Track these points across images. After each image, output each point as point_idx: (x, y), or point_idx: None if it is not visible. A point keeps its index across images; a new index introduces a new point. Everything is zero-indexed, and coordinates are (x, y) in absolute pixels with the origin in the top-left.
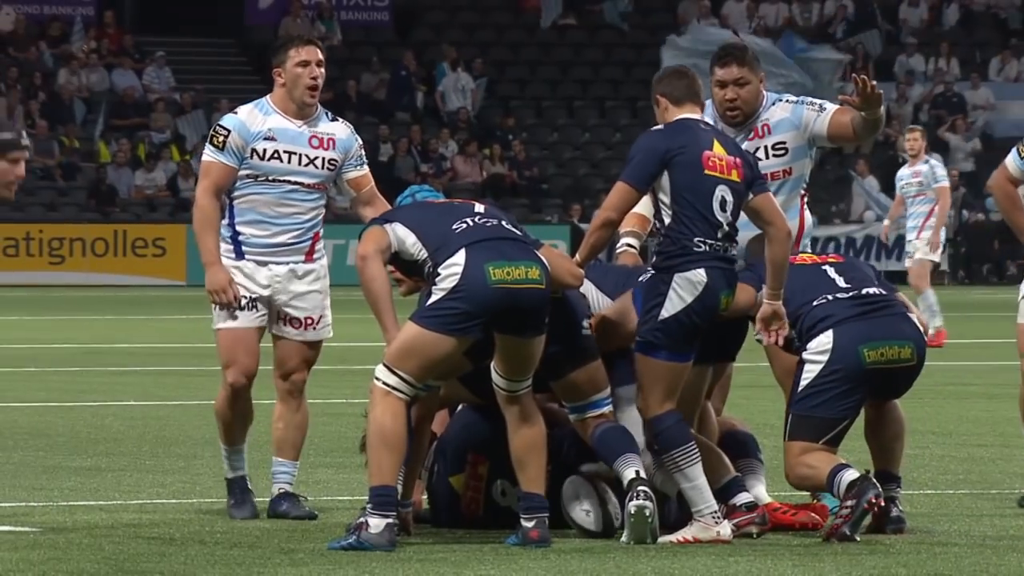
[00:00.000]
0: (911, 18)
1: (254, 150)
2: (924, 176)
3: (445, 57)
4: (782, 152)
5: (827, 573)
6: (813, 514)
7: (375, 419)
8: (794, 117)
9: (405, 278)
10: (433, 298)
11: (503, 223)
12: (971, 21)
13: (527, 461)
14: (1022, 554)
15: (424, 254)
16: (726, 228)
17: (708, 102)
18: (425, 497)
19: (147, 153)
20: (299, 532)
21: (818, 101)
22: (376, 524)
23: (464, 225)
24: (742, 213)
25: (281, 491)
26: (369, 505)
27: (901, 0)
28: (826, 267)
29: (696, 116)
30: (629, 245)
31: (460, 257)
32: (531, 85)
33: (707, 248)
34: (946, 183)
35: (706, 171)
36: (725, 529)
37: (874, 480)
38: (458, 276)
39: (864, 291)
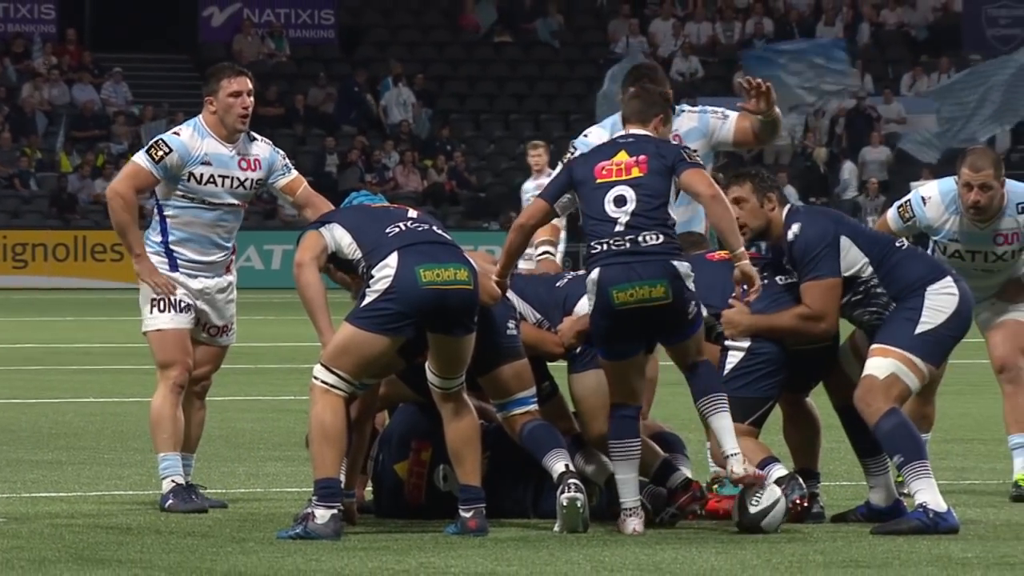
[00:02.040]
0: (827, 36)
1: (191, 173)
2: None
3: (389, 72)
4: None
5: (748, 560)
6: (721, 503)
7: (316, 416)
8: (701, 125)
9: (351, 281)
10: (367, 299)
11: (434, 228)
12: (883, 39)
13: (463, 454)
14: (932, 541)
15: (359, 255)
16: (625, 221)
17: (615, 116)
18: (369, 488)
19: (105, 163)
20: (249, 522)
21: (720, 109)
22: (322, 515)
23: (397, 229)
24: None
25: (185, 482)
26: (315, 497)
27: (817, 19)
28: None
29: (631, 132)
30: (548, 252)
31: (392, 260)
32: (470, 99)
33: (602, 248)
34: None
35: (598, 180)
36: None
37: (800, 480)
38: (390, 278)
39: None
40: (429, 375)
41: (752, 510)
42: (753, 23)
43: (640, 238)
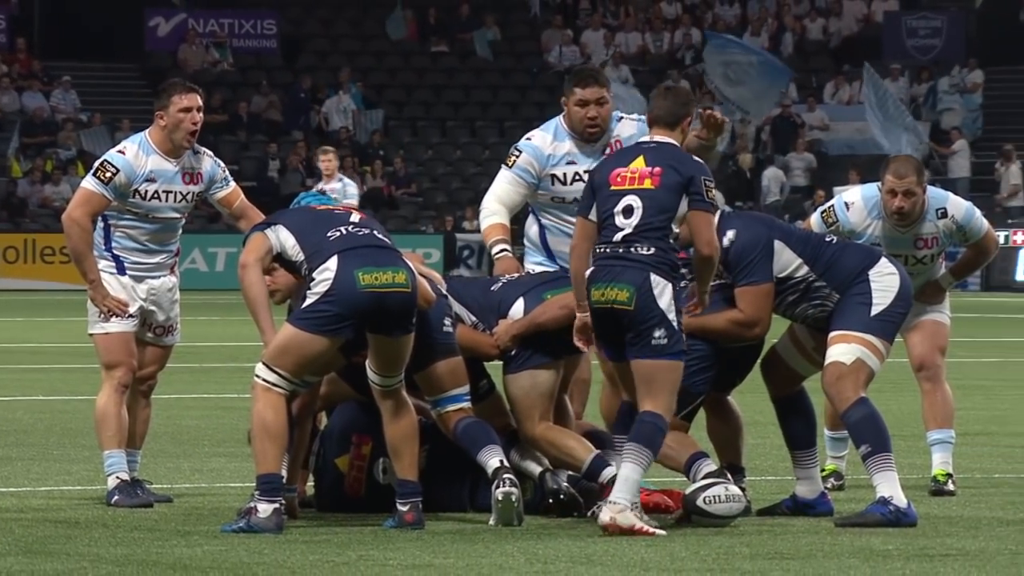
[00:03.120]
0: (754, 46)
1: (136, 190)
2: (338, 193)
3: (329, 81)
4: None
5: (678, 553)
6: (666, 497)
7: (257, 413)
8: (639, 133)
9: (278, 288)
10: (308, 301)
11: (375, 232)
12: (806, 49)
13: (401, 450)
14: (854, 534)
15: (301, 257)
16: (626, 232)
17: (557, 120)
18: (311, 483)
19: (55, 168)
20: (194, 516)
21: None
22: (264, 509)
23: (338, 233)
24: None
25: (131, 478)
26: (257, 492)
27: (744, 30)
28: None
29: (655, 139)
30: (505, 250)
31: (332, 263)
32: (408, 107)
33: (600, 251)
34: (354, 201)
35: (612, 188)
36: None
37: (728, 476)
38: (330, 281)
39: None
40: (369, 373)
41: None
42: (681, 33)
43: (633, 248)
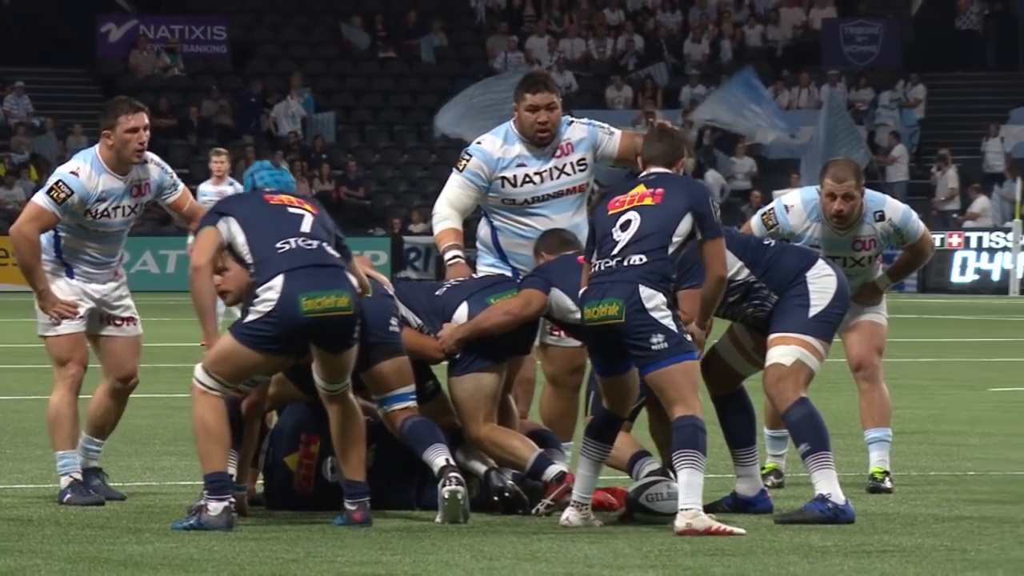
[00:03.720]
0: (694, 52)
1: (88, 210)
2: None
3: (279, 86)
4: (584, 168)
5: (621, 549)
6: (610, 495)
7: (197, 415)
8: (590, 137)
9: (229, 290)
10: (250, 316)
11: (323, 246)
12: (746, 55)
13: (348, 452)
14: (794, 531)
15: (250, 260)
16: (622, 245)
17: (508, 124)
18: (260, 481)
19: (7, 172)
20: (145, 514)
21: (606, 125)
22: (215, 507)
23: (287, 247)
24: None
25: (92, 467)
26: (206, 491)
27: (685, 36)
28: None
29: (653, 171)
30: (457, 256)
31: (278, 283)
32: (356, 111)
33: (597, 267)
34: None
35: (610, 212)
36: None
37: (670, 475)
38: (273, 303)
39: None
40: (315, 377)
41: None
42: (624, 40)
43: (627, 260)
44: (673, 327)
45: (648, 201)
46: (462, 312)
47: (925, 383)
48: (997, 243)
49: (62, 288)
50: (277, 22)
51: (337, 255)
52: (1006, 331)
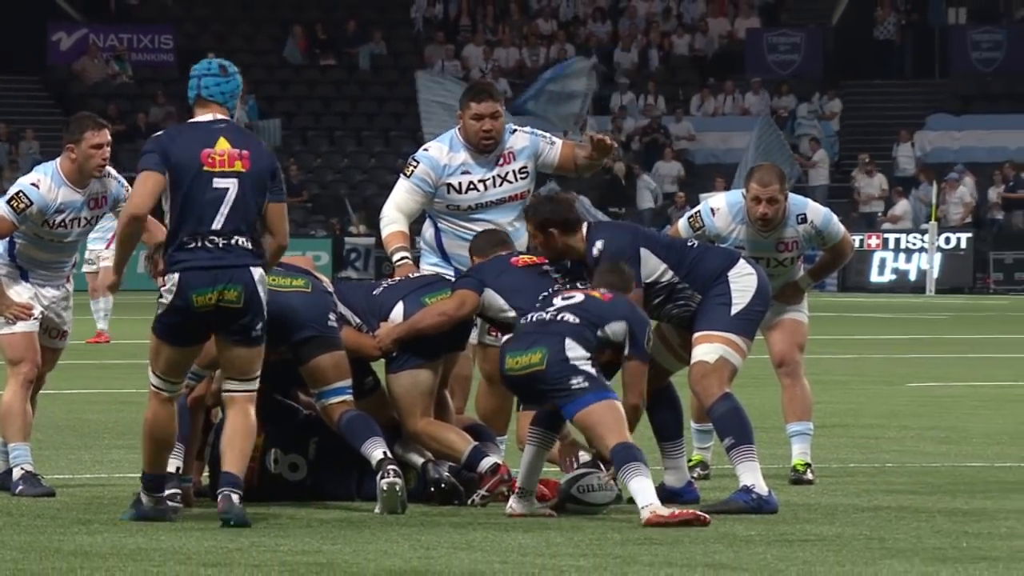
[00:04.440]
0: (623, 61)
1: (46, 221)
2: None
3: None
4: (525, 176)
5: (553, 539)
6: (543, 486)
7: (145, 416)
8: (531, 146)
9: (159, 262)
10: (159, 308)
11: (237, 241)
12: (673, 64)
13: (232, 447)
14: (719, 521)
15: (169, 228)
16: (561, 306)
17: (453, 132)
18: (206, 473)
19: None
20: (95, 505)
21: (548, 134)
22: (147, 500)
23: (194, 244)
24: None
25: (27, 471)
26: (141, 488)
27: (615, 46)
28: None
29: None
30: (405, 258)
31: (176, 279)
32: (297, 117)
33: (528, 319)
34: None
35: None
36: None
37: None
38: (172, 295)
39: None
40: (224, 381)
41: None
42: (556, 49)
43: (560, 316)
44: (592, 372)
45: (596, 294)
46: (398, 312)
47: (845, 379)
48: (914, 244)
49: (18, 291)
50: (221, 31)
51: (242, 248)
52: (922, 329)
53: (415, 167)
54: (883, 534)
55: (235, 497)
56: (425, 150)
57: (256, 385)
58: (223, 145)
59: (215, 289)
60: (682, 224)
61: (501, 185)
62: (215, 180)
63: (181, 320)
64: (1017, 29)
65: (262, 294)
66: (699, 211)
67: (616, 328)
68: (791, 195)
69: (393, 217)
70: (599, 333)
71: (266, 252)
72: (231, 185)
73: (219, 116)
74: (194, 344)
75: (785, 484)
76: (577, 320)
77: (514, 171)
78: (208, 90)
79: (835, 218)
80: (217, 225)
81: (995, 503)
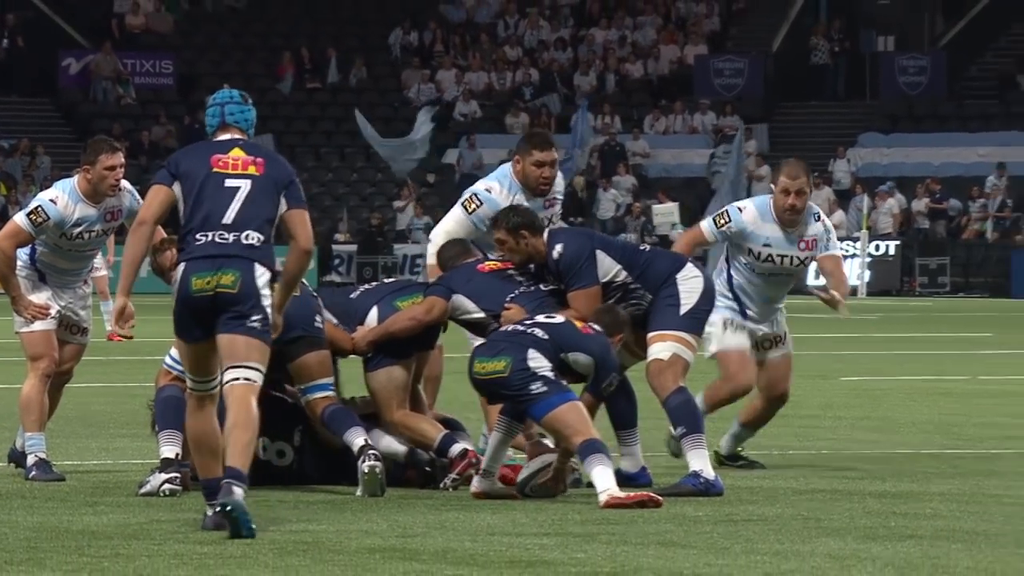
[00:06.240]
0: (582, 84)
1: (64, 233)
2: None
3: None
4: (557, 220)
5: (519, 519)
6: (510, 471)
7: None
8: (560, 190)
9: (169, 249)
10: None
11: (241, 238)
12: (628, 87)
13: (232, 440)
14: (670, 503)
15: (182, 226)
16: (536, 320)
17: (508, 173)
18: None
19: None
20: (101, 489)
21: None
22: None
23: (204, 239)
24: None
25: (40, 458)
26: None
27: (575, 70)
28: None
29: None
30: None
31: (180, 269)
32: (286, 136)
33: (501, 327)
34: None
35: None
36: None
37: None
38: (176, 287)
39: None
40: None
41: (523, 475)
42: (522, 73)
43: (530, 330)
44: (551, 376)
45: (578, 323)
46: (372, 316)
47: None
48: (847, 251)
49: (36, 293)
50: (217, 58)
51: (248, 243)
52: (855, 328)
53: (478, 206)
54: (819, 515)
55: (236, 489)
56: (488, 191)
57: (256, 376)
58: (237, 153)
59: (213, 273)
60: (705, 225)
61: (548, 226)
62: (227, 180)
63: (185, 312)
64: (939, 56)
65: (261, 289)
66: (726, 210)
67: (581, 359)
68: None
69: (440, 243)
70: (561, 355)
71: (280, 262)
72: (243, 184)
73: (237, 136)
74: (202, 340)
75: (730, 469)
76: (546, 337)
77: (556, 214)
78: (233, 116)
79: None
80: (227, 220)
81: (921, 486)
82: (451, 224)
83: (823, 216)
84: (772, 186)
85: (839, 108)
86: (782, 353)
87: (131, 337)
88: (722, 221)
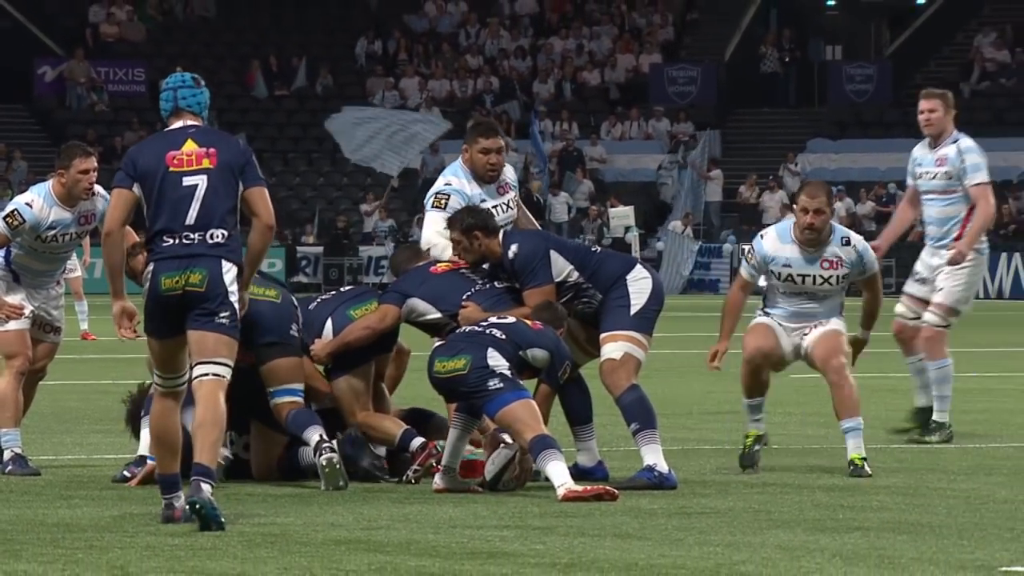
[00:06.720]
0: (541, 91)
1: (39, 236)
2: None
3: None
4: (514, 206)
5: (479, 512)
6: (472, 467)
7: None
8: (514, 179)
9: (141, 254)
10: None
11: (207, 238)
12: (585, 95)
13: (201, 437)
14: (626, 496)
15: (147, 229)
16: (493, 321)
17: (457, 165)
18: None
19: None
20: (75, 483)
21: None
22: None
23: (169, 241)
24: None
25: (16, 453)
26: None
27: (534, 78)
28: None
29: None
30: None
31: (150, 268)
32: (255, 141)
33: (458, 328)
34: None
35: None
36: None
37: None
38: (147, 287)
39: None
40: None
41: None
42: (483, 81)
43: (488, 331)
44: (508, 374)
45: (528, 322)
46: (328, 329)
47: (737, 371)
48: None
49: (12, 293)
50: (188, 65)
51: (214, 242)
52: None
53: (447, 199)
54: (770, 507)
55: (204, 486)
56: (448, 184)
57: (225, 371)
58: (190, 146)
59: (182, 273)
60: (744, 269)
61: (505, 212)
62: (184, 179)
63: (156, 309)
64: (885, 65)
65: (229, 285)
66: (751, 245)
67: (538, 354)
68: (836, 225)
69: (443, 245)
70: (520, 353)
71: (244, 244)
72: (199, 182)
73: (190, 122)
74: (171, 336)
75: (684, 462)
76: (503, 337)
77: (511, 200)
78: (186, 100)
79: (871, 249)
80: (190, 220)
81: (867, 480)
82: (435, 224)
83: (855, 241)
84: (793, 206)
85: (789, 115)
86: (825, 330)
87: (138, 335)
88: (749, 256)
